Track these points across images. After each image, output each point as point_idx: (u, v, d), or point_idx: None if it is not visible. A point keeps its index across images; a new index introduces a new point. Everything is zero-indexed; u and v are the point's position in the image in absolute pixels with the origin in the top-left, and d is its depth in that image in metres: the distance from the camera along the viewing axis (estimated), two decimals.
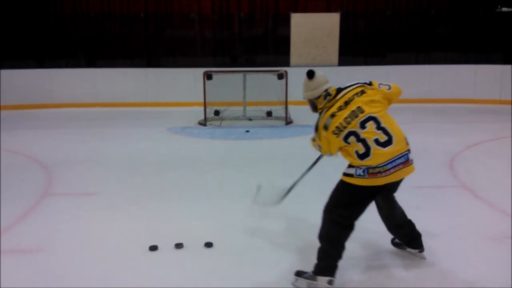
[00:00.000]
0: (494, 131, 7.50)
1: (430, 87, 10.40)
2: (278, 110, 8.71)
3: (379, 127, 2.78)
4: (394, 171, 2.77)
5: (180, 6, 10.74)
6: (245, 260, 3.34)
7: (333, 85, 2.98)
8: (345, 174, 2.87)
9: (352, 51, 10.77)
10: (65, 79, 10.29)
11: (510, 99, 10.04)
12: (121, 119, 9.14)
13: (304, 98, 3.05)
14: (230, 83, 8.74)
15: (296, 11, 10.47)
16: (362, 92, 2.86)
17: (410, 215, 4.08)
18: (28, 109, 9.94)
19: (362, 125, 2.77)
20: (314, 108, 3.02)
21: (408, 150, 2.86)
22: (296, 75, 8.68)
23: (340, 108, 2.81)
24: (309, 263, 2.97)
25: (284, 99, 8.43)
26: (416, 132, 7.45)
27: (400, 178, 2.85)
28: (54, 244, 3.63)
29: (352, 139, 2.77)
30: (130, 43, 10.85)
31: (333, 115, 2.81)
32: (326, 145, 2.91)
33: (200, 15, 10.85)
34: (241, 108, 8.86)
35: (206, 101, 8.44)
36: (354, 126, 2.77)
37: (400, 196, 4.57)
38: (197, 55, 10.99)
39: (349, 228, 2.91)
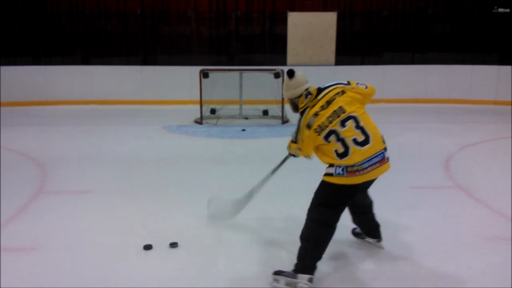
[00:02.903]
0: (490, 132, 7.53)
1: (426, 87, 10.42)
2: (275, 109, 8.70)
3: (357, 126, 2.87)
4: (372, 169, 2.85)
5: (177, 3, 10.70)
6: (241, 258, 3.33)
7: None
8: (325, 174, 2.94)
9: (349, 50, 10.77)
10: (60, 76, 10.25)
11: (506, 99, 10.07)
12: (117, 117, 9.11)
13: (285, 98, 3.16)
14: (226, 81, 8.72)
15: (293, 10, 10.46)
16: (343, 92, 2.95)
17: (406, 215, 4.10)
18: (23, 106, 9.88)
19: (343, 123, 2.86)
20: (295, 107, 3.10)
21: (385, 148, 2.93)
22: None
23: (322, 108, 2.90)
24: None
25: (281, 98, 8.41)
26: (412, 132, 7.47)
27: (377, 176, 2.92)
28: (48, 242, 3.61)
29: (332, 137, 2.85)
30: (126, 41, 10.81)
31: (316, 114, 2.89)
32: (307, 146, 2.98)
33: (196, 13, 10.81)
34: (237, 106, 8.85)
35: (202, 99, 8.43)
36: (335, 125, 2.85)
37: (396, 196, 4.60)
38: (194, 53, 10.95)
39: (330, 227, 2.97)
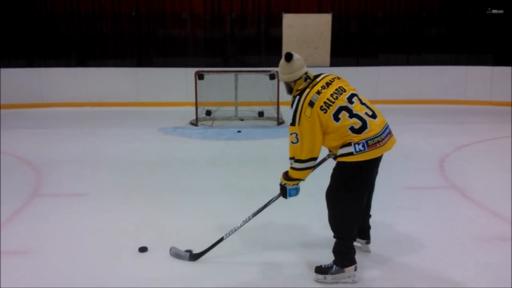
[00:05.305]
0: (485, 132, 7.56)
1: (421, 88, 10.45)
2: (270, 111, 8.70)
3: (362, 103, 2.94)
4: (387, 140, 2.90)
5: (172, 6, 10.69)
6: (236, 261, 3.32)
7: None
8: (342, 155, 2.87)
9: (344, 52, 10.79)
10: (55, 79, 10.20)
11: (500, 100, 10.12)
12: (112, 119, 9.09)
13: (281, 80, 3.17)
14: (221, 83, 8.72)
15: (288, 11, 10.47)
16: (338, 77, 3.07)
17: (401, 215, 4.11)
18: (17, 109, 9.83)
19: (350, 100, 2.90)
20: (290, 90, 3.12)
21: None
22: None
23: (323, 87, 2.94)
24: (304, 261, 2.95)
25: (276, 100, 8.42)
26: (407, 133, 7.49)
27: (390, 147, 2.94)
28: (42, 245, 3.59)
29: (343, 114, 2.85)
30: (121, 43, 10.79)
31: (318, 92, 2.91)
32: (305, 131, 2.89)
33: (191, 15, 10.81)
34: (233, 108, 8.85)
35: (198, 101, 8.41)
36: (343, 101, 2.88)
37: (392, 196, 4.60)
38: (189, 55, 10.94)
39: (356, 212, 2.96)
